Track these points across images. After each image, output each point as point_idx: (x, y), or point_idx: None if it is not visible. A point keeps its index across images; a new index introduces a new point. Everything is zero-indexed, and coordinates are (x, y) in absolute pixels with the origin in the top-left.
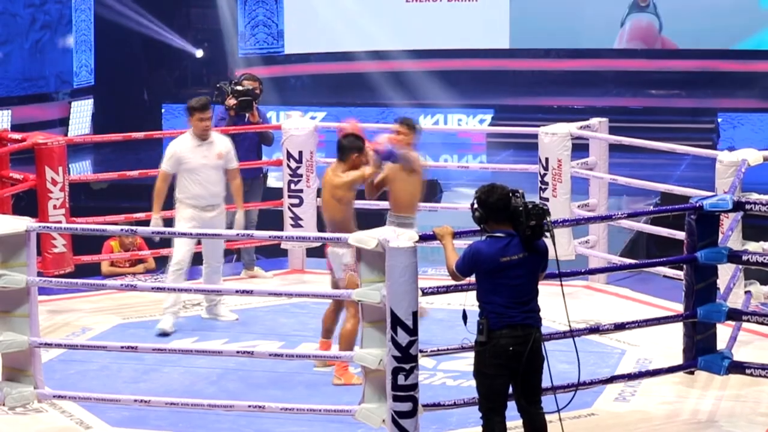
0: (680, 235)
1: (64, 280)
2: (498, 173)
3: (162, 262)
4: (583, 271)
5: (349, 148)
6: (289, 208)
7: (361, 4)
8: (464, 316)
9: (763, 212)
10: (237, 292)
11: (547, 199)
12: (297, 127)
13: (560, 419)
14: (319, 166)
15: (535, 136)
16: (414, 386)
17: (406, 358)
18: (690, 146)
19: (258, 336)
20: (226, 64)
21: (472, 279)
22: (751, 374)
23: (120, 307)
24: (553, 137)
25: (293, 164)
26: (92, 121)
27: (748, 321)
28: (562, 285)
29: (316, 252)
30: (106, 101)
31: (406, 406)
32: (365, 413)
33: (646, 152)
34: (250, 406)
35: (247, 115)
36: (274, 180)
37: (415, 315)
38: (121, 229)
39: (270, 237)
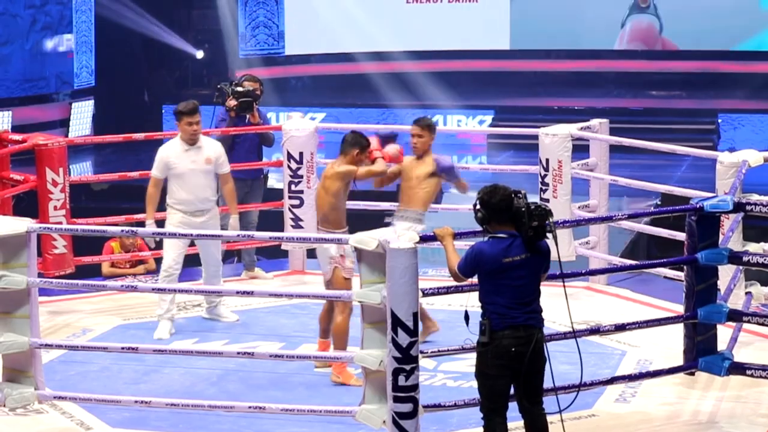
0: (681, 236)
1: (64, 281)
2: (498, 174)
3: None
4: (583, 272)
5: (351, 144)
6: (289, 209)
7: (362, 5)
8: (466, 317)
9: (764, 213)
10: (237, 293)
11: (547, 200)
12: (297, 128)
13: (562, 420)
14: (319, 167)
15: (536, 137)
16: (414, 387)
17: (406, 359)
18: (690, 147)
19: (258, 337)
20: (226, 65)
21: (473, 280)
22: (751, 375)
23: (120, 308)
24: (554, 138)
25: (294, 165)
26: (93, 122)
27: (748, 322)
28: (564, 286)
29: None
30: (107, 102)
31: (406, 407)
32: (366, 414)
33: (646, 153)
34: (250, 407)
35: (247, 116)
36: (274, 181)
37: (415, 316)
38: (122, 230)
39: (270, 238)
